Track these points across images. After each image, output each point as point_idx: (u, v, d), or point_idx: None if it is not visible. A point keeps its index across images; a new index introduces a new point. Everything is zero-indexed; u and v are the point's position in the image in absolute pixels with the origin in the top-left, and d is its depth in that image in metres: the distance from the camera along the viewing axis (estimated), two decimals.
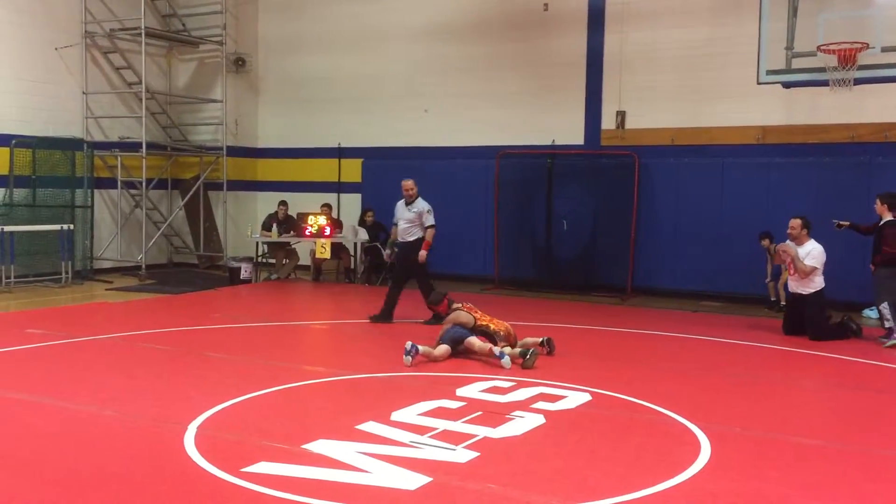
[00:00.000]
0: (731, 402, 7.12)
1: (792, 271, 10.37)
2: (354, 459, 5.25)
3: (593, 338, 10.25)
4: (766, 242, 12.39)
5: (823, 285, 10.27)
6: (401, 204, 10.76)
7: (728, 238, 13.22)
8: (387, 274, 14.95)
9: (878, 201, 10.26)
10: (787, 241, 10.47)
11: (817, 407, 7.34)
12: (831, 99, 11.72)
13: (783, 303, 11.98)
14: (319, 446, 5.49)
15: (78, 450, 5.52)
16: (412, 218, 10.57)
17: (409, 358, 8.09)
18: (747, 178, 13.23)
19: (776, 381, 7.98)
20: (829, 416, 6.99)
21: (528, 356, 8.15)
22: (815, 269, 10.18)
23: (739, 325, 11.12)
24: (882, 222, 10.17)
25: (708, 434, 5.98)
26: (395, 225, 10.91)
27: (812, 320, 10.20)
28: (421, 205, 10.57)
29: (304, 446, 5.49)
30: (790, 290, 10.56)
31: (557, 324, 10.35)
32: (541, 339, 8.95)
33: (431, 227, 10.53)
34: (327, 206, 15.53)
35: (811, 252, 10.23)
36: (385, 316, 10.53)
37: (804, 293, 10.27)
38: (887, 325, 9.96)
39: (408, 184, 10.63)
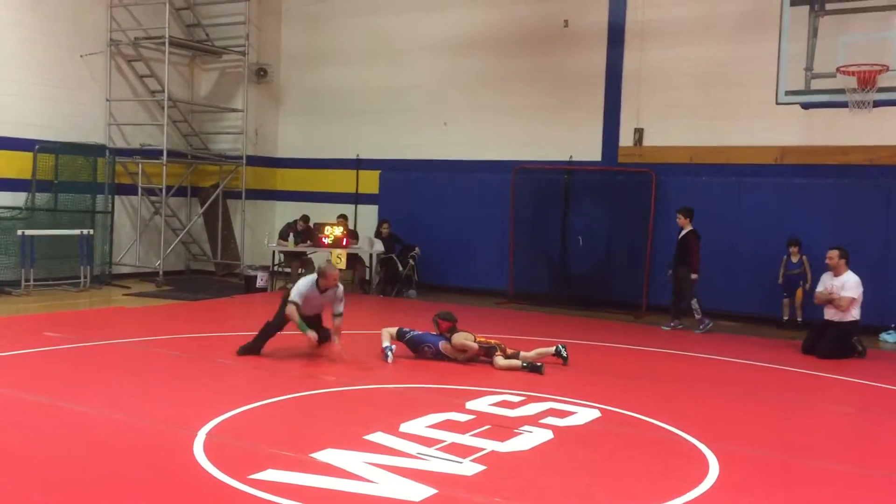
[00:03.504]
0: (741, 422, 7.09)
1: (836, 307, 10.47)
2: (361, 469, 5.27)
3: (606, 354, 10.23)
4: (794, 250, 12.37)
5: (858, 318, 10.40)
6: (314, 292, 8.94)
7: (745, 258, 13.17)
8: (401, 286, 15.04)
9: (679, 215, 12.22)
10: (820, 287, 10.69)
11: (828, 429, 7.29)
12: (851, 121, 11.66)
13: (799, 319, 12.04)
14: (327, 455, 5.52)
15: (87, 452, 5.58)
16: (322, 303, 9.16)
17: (391, 354, 8.86)
18: (765, 198, 13.18)
19: (788, 403, 7.93)
20: (839, 438, 6.95)
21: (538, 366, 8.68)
22: (854, 299, 10.31)
23: (754, 346, 11.06)
24: (685, 232, 12.13)
25: (717, 453, 5.96)
26: (296, 304, 8.80)
27: (830, 341, 10.25)
28: (340, 291, 9.14)
29: (311, 455, 5.53)
30: (826, 316, 10.59)
31: (570, 339, 10.32)
32: (553, 349, 9.13)
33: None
34: (343, 216, 15.62)
35: (846, 283, 10.39)
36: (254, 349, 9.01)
37: (838, 321, 10.39)
38: (698, 316, 11.97)
39: (336, 274, 9.09)
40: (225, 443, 5.79)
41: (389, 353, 8.89)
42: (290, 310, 8.75)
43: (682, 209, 12.28)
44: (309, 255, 15.67)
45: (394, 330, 9.18)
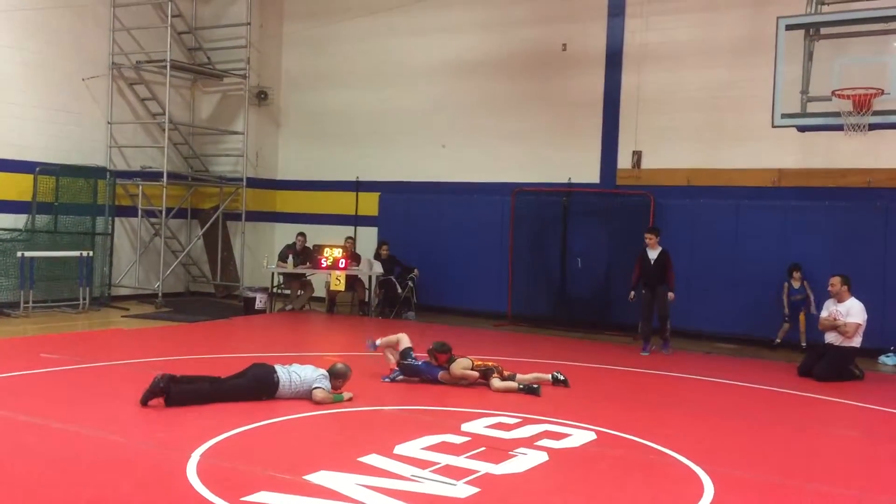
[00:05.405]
0: (738, 445, 7.06)
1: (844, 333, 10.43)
2: (354, 491, 5.26)
3: (603, 377, 10.21)
4: (797, 275, 12.42)
5: (859, 345, 10.39)
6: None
7: (743, 280, 13.19)
8: (400, 308, 15.04)
9: (651, 236, 12.13)
10: (824, 314, 10.64)
11: (826, 452, 7.25)
12: (848, 144, 11.73)
13: (804, 344, 12.04)
14: (320, 477, 5.51)
15: (81, 474, 5.57)
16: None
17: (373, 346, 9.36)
18: (763, 220, 13.22)
19: (786, 426, 7.90)
20: (838, 461, 6.90)
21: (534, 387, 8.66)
22: (860, 325, 10.31)
23: (752, 368, 11.04)
24: (659, 252, 12.04)
25: (712, 476, 5.93)
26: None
27: (828, 363, 10.23)
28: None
29: (305, 477, 5.51)
30: (827, 340, 10.58)
31: (568, 362, 10.32)
32: (550, 376, 9.07)
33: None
34: (350, 238, 15.70)
35: (851, 309, 10.38)
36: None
37: (838, 345, 10.38)
38: (668, 336, 11.96)
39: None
40: (218, 464, 5.78)
41: (375, 345, 9.36)
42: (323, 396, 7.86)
43: (654, 229, 12.31)
44: (308, 277, 15.70)
45: (406, 342, 9.12)
